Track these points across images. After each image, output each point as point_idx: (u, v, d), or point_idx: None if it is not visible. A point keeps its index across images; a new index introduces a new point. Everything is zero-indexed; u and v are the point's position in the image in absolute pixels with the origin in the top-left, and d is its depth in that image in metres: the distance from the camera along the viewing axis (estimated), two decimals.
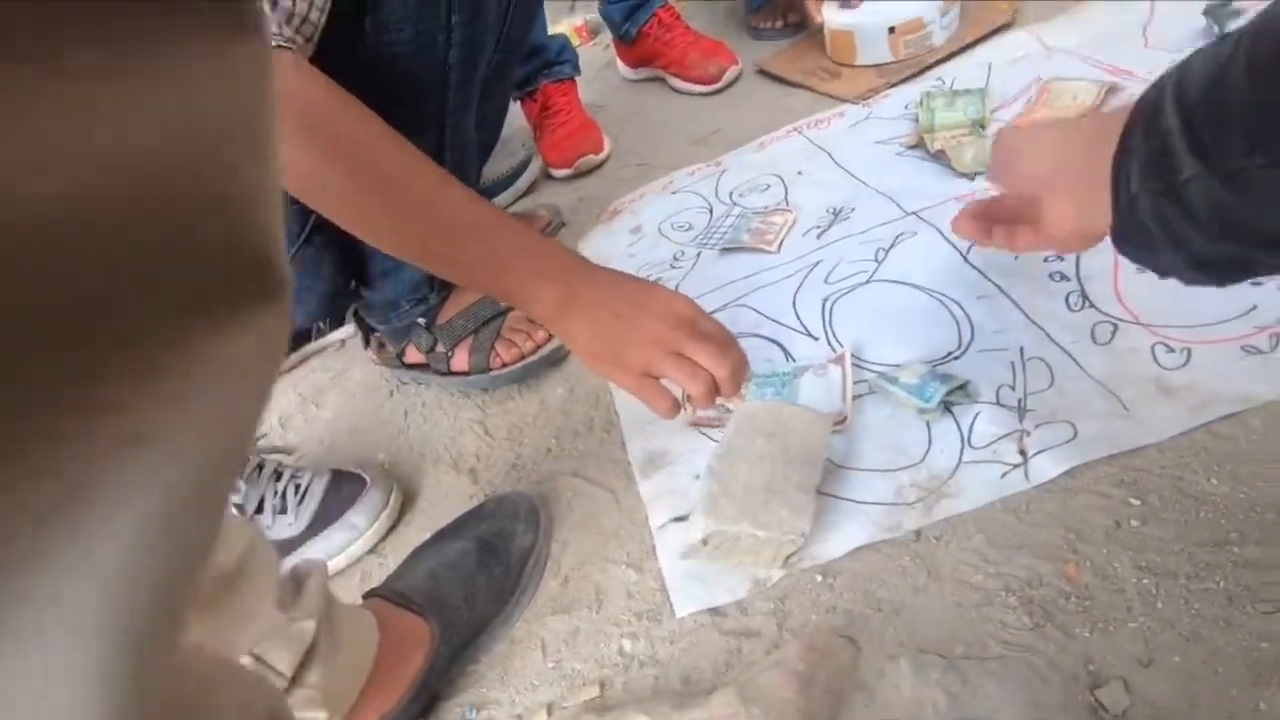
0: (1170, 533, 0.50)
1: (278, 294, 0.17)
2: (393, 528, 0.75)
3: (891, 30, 1.09)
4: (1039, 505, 0.54)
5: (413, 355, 0.88)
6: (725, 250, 0.92)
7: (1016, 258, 0.74)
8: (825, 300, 0.78)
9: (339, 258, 0.78)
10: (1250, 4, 0.95)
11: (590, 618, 0.60)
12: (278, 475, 0.74)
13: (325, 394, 0.98)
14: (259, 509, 0.72)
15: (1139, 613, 0.46)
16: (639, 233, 1.03)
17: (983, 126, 0.93)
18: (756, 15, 1.42)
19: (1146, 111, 0.35)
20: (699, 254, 0.93)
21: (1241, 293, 0.62)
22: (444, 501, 0.75)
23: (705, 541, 0.56)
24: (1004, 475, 0.57)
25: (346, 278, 0.83)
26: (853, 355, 0.70)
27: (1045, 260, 0.72)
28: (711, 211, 1.00)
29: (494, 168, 1.22)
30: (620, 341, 0.56)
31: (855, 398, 0.67)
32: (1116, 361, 0.61)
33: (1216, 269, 0.36)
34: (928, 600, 0.52)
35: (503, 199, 1.25)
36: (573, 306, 0.58)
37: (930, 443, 0.61)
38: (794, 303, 0.79)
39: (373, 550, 0.74)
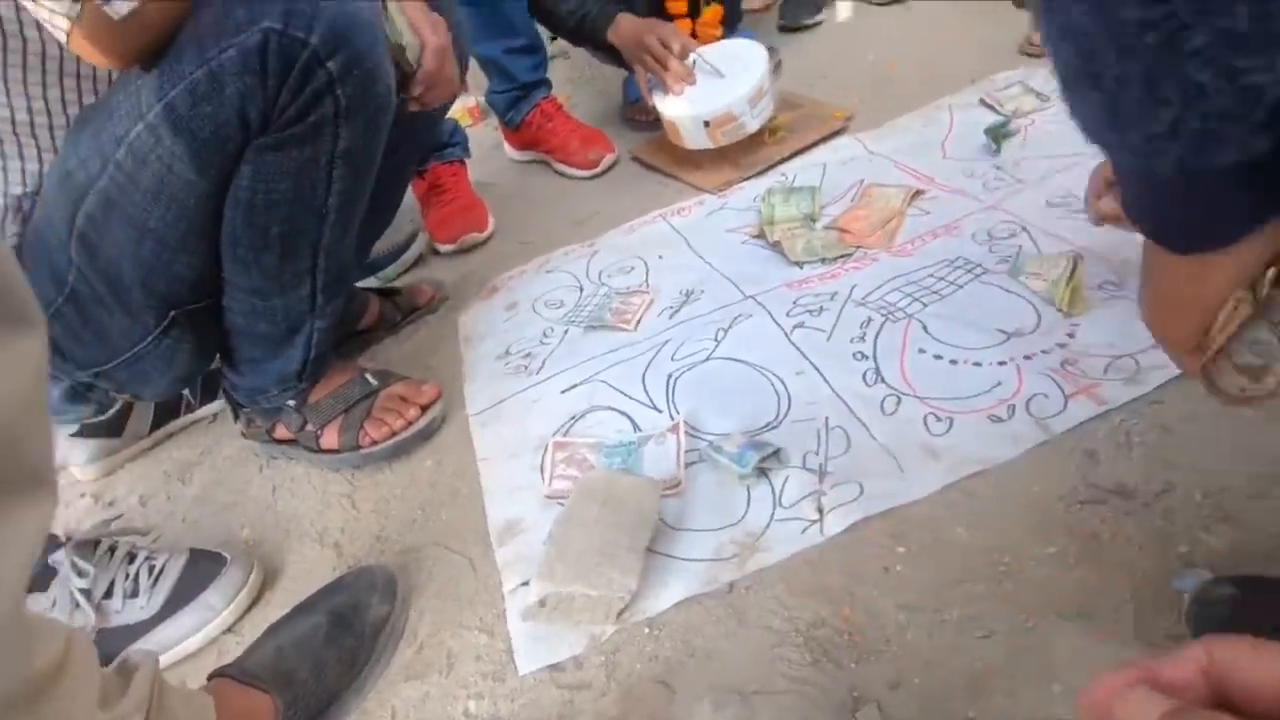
0: (925, 575, 0.60)
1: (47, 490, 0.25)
2: (253, 605, 0.76)
3: (706, 124, 1.22)
4: (829, 555, 0.64)
5: (281, 432, 0.90)
6: (590, 328, 1.00)
7: (829, 338, 0.86)
8: (670, 376, 0.87)
9: (197, 346, 0.81)
10: (1023, 123, 1.16)
11: (440, 682, 0.64)
12: (130, 558, 0.74)
13: (192, 470, 0.98)
14: (108, 593, 0.72)
15: (894, 644, 0.56)
16: (514, 309, 1.10)
17: (813, 220, 1.07)
18: (633, 108, 1.56)
19: None
20: (566, 331, 1.02)
21: (991, 371, 0.75)
22: (307, 577, 0.77)
23: (543, 603, 0.61)
24: (804, 531, 0.66)
25: (204, 362, 0.86)
26: (688, 425, 0.79)
27: (850, 341, 0.84)
28: (581, 290, 1.09)
29: (381, 242, 1.27)
30: None
31: (689, 465, 0.75)
32: (898, 429, 0.73)
33: None
34: (735, 644, 0.59)
35: (388, 272, 1.30)
36: None
37: (749, 504, 0.70)
38: (643, 378, 0.88)
39: (230, 630, 0.75)
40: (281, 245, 0.76)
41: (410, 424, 0.88)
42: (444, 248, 1.31)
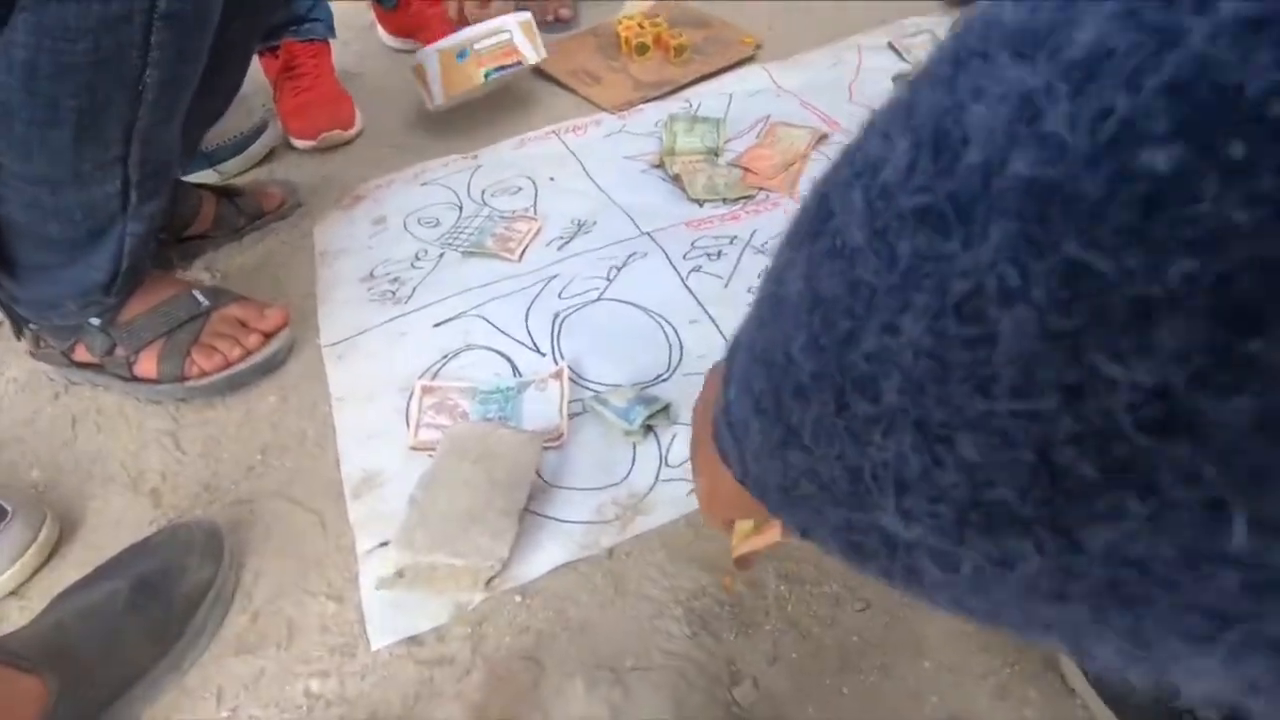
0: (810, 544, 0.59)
1: None
2: (44, 565, 0.64)
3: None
4: None
5: (82, 354, 0.75)
6: (468, 253, 0.90)
7: (725, 286, 0.81)
8: (556, 315, 0.80)
9: None
10: None
11: (278, 657, 0.56)
12: None
13: None
14: None
15: (774, 616, 0.55)
16: (382, 224, 0.97)
17: (716, 155, 1.01)
18: (528, 5, 1.39)
19: None
20: (442, 254, 0.91)
21: None
22: (114, 530, 0.66)
23: (401, 574, 0.55)
24: (689, 493, 0.63)
25: None
26: (573, 373, 0.73)
27: (748, 291, 0.80)
28: (461, 209, 0.98)
29: (223, 127, 1.07)
30: None
31: (572, 416, 0.70)
32: None
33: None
34: (611, 616, 0.56)
35: (230, 166, 1.10)
36: None
37: (634, 462, 0.66)
38: (527, 316, 0.80)
39: (14, 593, 0.62)
40: (78, 124, 0.59)
41: (249, 354, 0.76)
42: (300, 143, 1.13)
